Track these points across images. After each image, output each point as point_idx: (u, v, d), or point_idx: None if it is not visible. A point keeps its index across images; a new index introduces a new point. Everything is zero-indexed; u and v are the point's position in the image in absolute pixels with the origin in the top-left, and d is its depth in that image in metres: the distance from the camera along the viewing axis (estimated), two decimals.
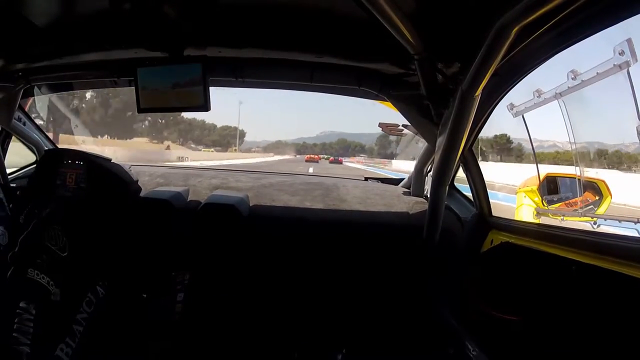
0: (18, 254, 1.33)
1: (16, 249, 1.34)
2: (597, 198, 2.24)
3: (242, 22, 1.17)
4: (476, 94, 1.03)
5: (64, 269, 1.38)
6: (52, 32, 1.26)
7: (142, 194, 1.73)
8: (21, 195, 1.67)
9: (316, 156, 39.30)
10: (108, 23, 1.14)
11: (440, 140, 1.27)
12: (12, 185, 1.80)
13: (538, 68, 1.10)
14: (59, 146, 2.02)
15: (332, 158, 40.42)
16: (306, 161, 33.65)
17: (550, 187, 2.37)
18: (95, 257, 1.51)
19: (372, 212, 1.73)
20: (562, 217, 2.15)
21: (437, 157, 1.33)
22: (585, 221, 1.95)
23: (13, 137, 1.87)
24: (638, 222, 1.74)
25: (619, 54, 0.99)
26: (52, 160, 1.62)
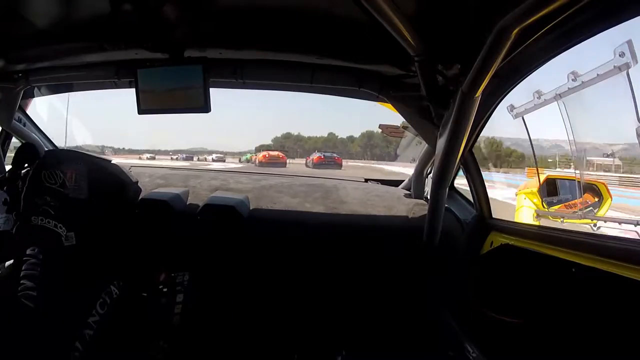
0: (22, 209, 1.31)
1: (21, 207, 1.32)
2: (596, 200, 2.24)
3: (242, 24, 1.18)
4: (476, 96, 1.03)
5: (71, 209, 1.35)
6: (53, 33, 1.26)
7: (142, 195, 1.73)
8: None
9: (280, 155, 19.70)
10: (108, 24, 1.14)
11: (441, 142, 1.27)
12: None
13: (538, 69, 1.10)
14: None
15: (319, 156, 18.95)
16: (262, 164, 17.76)
17: (550, 189, 2.38)
18: (95, 257, 1.51)
19: (372, 214, 1.73)
20: (561, 219, 2.16)
21: (437, 158, 1.33)
22: (585, 223, 1.96)
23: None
24: (638, 224, 1.74)
25: (620, 55, 0.99)
26: (52, 160, 1.62)
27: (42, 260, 1.22)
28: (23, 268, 1.20)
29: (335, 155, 20.50)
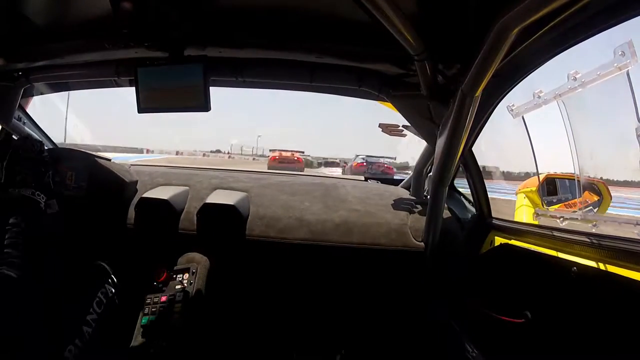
0: (2, 181, 1.32)
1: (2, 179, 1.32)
2: (596, 199, 2.24)
3: (242, 23, 1.18)
4: (476, 95, 1.03)
5: (45, 175, 1.36)
6: (53, 32, 1.26)
7: (141, 193, 1.73)
8: None
9: (296, 157, 17.88)
10: (108, 23, 1.14)
11: (441, 141, 1.27)
12: None
13: (538, 69, 1.10)
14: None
15: (357, 163, 16.28)
16: (271, 166, 15.70)
17: (549, 189, 2.37)
18: (95, 256, 1.51)
19: (371, 213, 1.73)
20: (561, 219, 2.16)
21: (437, 157, 1.33)
22: (585, 223, 1.95)
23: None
24: (638, 224, 1.74)
25: (620, 55, 0.99)
26: (52, 159, 1.62)
27: (23, 228, 1.22)
28: (6, 237, 1.19)
29: (296, 153, 18.14)
